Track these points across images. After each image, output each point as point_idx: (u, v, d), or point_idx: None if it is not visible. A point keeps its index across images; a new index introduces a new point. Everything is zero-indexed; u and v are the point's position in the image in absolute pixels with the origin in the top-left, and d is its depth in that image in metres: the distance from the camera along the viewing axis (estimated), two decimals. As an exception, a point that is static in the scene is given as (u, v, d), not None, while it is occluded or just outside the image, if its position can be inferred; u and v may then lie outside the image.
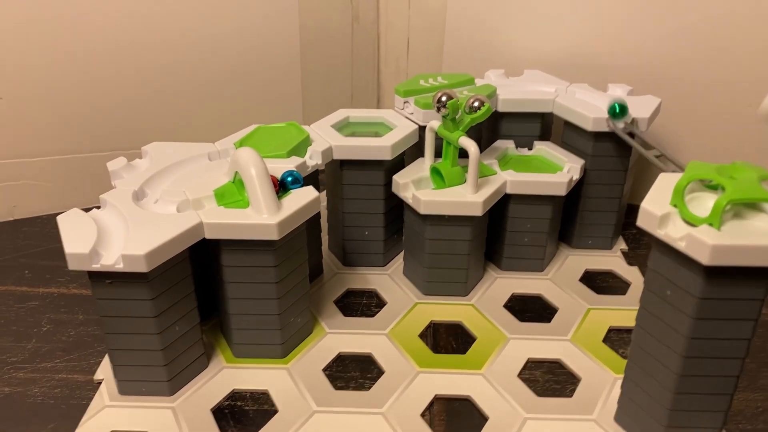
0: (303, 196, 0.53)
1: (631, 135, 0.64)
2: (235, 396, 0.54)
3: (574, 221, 0.72)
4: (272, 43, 0.82)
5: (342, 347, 0.59)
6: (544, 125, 0.73)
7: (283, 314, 0.56)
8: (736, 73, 0.74)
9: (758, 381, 0.56)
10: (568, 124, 0.70)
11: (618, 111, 0.63)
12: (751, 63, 0.73)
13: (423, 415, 0.52)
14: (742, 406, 0.53)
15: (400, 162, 0.67)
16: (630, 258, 0.73)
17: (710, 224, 0.40)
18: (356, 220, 0.68)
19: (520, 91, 0.72)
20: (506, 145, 0.71)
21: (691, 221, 0.42)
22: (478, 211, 0.60)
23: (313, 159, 0.61)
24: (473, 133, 0.63)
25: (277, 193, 0.52)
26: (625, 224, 0.78)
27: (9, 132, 0.76)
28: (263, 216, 0.50)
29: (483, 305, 0.64)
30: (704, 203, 0.42)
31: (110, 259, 0.46)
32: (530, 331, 0.61)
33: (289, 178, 0.54)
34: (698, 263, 0.40)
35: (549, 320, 0.62)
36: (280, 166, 0.56)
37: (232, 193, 0.53)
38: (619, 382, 0.54)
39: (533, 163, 0.69)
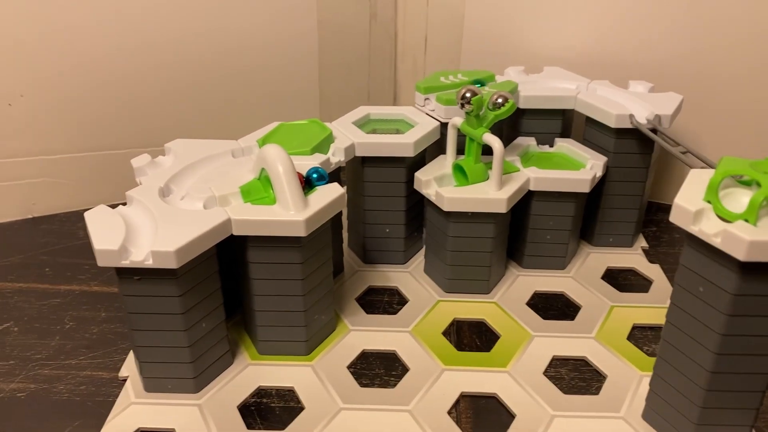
0: (329, 193, 0.53)
1: (654, 132, 0.64)
2: (260, 393, 0.54)
3: (595, 219, 0.72)
4: (290, 40, 0.82)
5: (366, 344, 0.59)
6: (565, 122, 0.73)
7: (308, 311, 0.55)
8: (759, 69, 0.74)
9: (786, 379, 0.56)
10: (589, 121, 0.70)
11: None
12: (773, 59, 0.73)
13: (450, 412, 0.52)
14: (771, 403, 0.53)
15: (421, 159, 0.67)
16: (651, 255, 0.72)
17: (746, 220, 0.40)
18: (377, 218, 0.67)
19: (542, 87, 0.72)
20: (528, 142, 0.70)
21: (725, 217, 0.41)
22: (503, 208, 0.60)
23: (336, 156, 0.61)
24: (494, 130, 0.62)
25: (303, 189, 0.52)
26: (645, 222, 0.78)
27: (28, 129, 0.76)
28: (290, 213, 0.50)
29: (506, 303, 0.64)
30: (738, 199, 0.42)
31: (140, 256, 0.46)
32: (554, 329, 0.61)
33: (315, 175, 0.54)
34: (733, 259, 0.40)
35: (572, 318, 0.62)
36: (304, 163, 0.56)
37: (258, 189, 0.53)
38: (646, 380, 0.54)
39: (555, 160, 0.68)
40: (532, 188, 0.64)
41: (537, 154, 0.70)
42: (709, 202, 0.42)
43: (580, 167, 0.66)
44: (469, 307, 0.64)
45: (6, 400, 0.53)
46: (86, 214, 0.49)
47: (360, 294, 0.66)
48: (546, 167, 0.65)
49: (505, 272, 0.69)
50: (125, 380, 0.55)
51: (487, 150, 0.60)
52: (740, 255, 0.39)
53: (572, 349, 0.58)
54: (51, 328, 0.61)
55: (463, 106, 0.58)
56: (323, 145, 0.61)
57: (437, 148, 0.68)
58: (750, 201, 0.40)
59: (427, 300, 0.65)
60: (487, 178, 0.61)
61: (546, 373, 0.56)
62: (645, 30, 0.76)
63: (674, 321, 0.46)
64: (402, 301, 0.65)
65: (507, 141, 0.71)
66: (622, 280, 0.68)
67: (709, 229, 0.41)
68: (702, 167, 0.51)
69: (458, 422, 0.51)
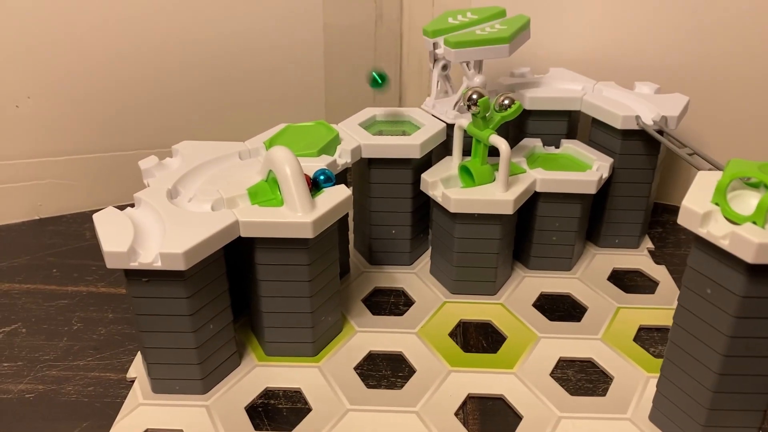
0: (336, 195, 0.53)
1: (660, 133, 0.64)
2: (268, 394, 0.54)
3: (601, 220, 0.72)
4: (297, 42, 0.83)
5: (372, 346, 0.59)
6: (571, 123, 0.73)
7: (315, 312, 0.56)
8: (765, 70, 0.74)
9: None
10: (595, 123, 0.70)
11: (380, 81, 0.60)
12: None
13: (457, 413, 0.52)
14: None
15: (427, 161, 0.67)
16: (657, 257, 0.72)
17: (754, 222, 0.40)
18: (383, 219, 0.67)
19: (548, 89, 0.72)
20: (534, 143, 0.70)
21: (733, 219, 0.41)
22: (509, 210, 0.60)
23: (342, 157, 0.61)
24: (501, 131, 0.63)
25: (310, 191, 0.52)
26: (651, 223, 0.78)
27: (36, 131, 0.76)
28: (298, 214, 0.50)
29: (512, 304, 0.64)
30: (746, 201, 0.42)
31: (148, 258, 0.46)
32: (560, 330, 0.61)
33: (322, 177, 0.54)
34: (741, 261, 0.40)
35: (579, 319, 0.62)
36: (311, 165, 0.56)
37: (265, 191, 0.53)
38: (653, 382, 0.54)
39: (561, 162, 0.68)
40: (538, 189, 0.64)
41: (543, 155, 0.70)
42: (717, 204, 0.42)
43: (586, 168, 0.66)
44: (476, 309, 0.64)
45: (14, 401, 0.53)
46: (95, 216, 0.49)
47: (366, 295, 0.66)
48: (552, 168, 0.65)
49: (512, 273, 0.69)
50: (133, 381, 0.55)
51: (494, 151, 0.60)
52: (748, 257, 0.39)
53: (579, 351, 0.58)
54: (59, 329, 0.61)
55: (469, 107, 0.58)
56: (330, 147, 0.61)
57: (443, 149, 0.68)
58: (758, 203, 0.40)
59: (434, 301, 0.65)
60: (494, 180, 0.61)
61: (553, 374, 0.56)
62: (651, 31, 0.76)
63: (681, 322, 0.46)
64: (408, 302, 0.65)
65: (513, 142, 0.71)
66: (628, 281, 0.68)
67: (717, 231, 0.41)
68: (709, 169, 0.51)
69: (465, 423, 0.51)
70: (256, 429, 0.50)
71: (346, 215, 0.62)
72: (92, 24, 0.74)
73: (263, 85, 0.84)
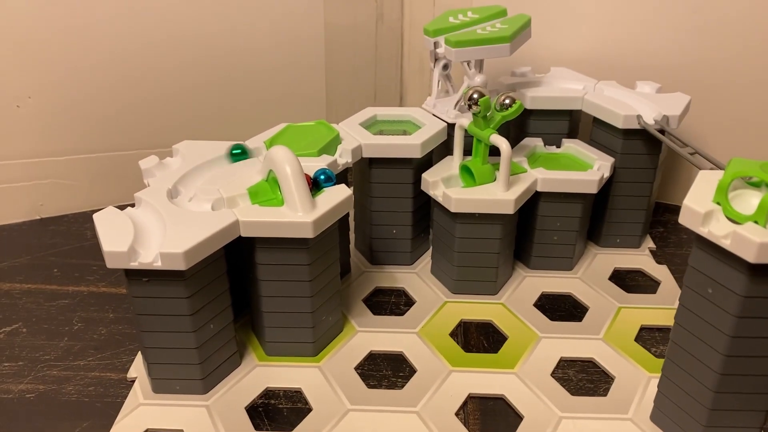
0: (336, 194, 0.53)
1: (662, 132, 0.64)
2: (268, 394, 0.54)
3: (602, 220, 0.72)
4: (297, 41, 0.83)
5: (373, 345, 0.59)
6: (572, 123, 0.73)
7: (316, 312, 0.56)
8: (767, 69, 0.74)
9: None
10: (597, 122, 0.69)
11: (238, 152, 0.57)
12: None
13: (458, 413, 0.52)
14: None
15: (428, 160, 0.67)
16: (658, 256, 0.72)
17: (756, 222, 0.40)
18: (384, 219, 0.67)
19: (549, 88, 0.72)
20: (535, 142, 0.70)
21: (735, 219, 0.41)
22: (510, 209, 0.60)
23: (343, 157, 0.61)
24: (501, 130, 0.62)
25: (311, 191, 0.52)
26: (653, 222, 0.78)
27: (36, 131, 0.76)
28: (298, 214, 0.50)
29: (513, 304, 0.64)
30: (748, 200, 0.42)
31: (148, 257, 0.46)
32: (561, 330, 0.61)
33: (322, 177, 0.54)
34: (743, 261, 0.40)
35: (580, 319, 0.62)
36: (312, 165, 0.56)
37: (266, 191, 0.53)
38: (654, 381, 0.54)
39: (562, 161, 0.68)
40: (539, 189, 0.64)
41: (544, 154, 0.70)
42: (718, 203, 0.42)
43: (587, 168, 0.66)
44: (476, 308, 0.64)
45: (15, 401, 0.53)
46: (95, 216, 0.49)
47: (367, 295, 0.66)
48: (553, 168, 0.65)
49: (513, 273, 0.69)
50: (133, 381, 0.55)
51: (494, 151, 0.60)
52: (750, 257, 0.39)
53: (580, 351, 0.58)
54: (59, 329, 0.61)
55: (470, 107, 0.58)
56: (330, 147, 0.61)
57: (444, 149, 0.68)
58: (760, 203, 0.40)
59: (434, 301, 0.65)
60: (495, 179, 0.61)
61: (554, 374, 0.56)
62: (652, 30, 0.76)
63: (683, 322, 0.46)
64: (409, 302, 0.65)
65: (514, 142, 0.71)
66: (629, 281, 0.68)
67: (719, 230, 0.41)
68: (711, 168, 0.51)
69: (466, 423, 0.51)
70: (256, 429, 0.50)
71: (347, 215, 0.62)
72: (93, 24, 0.74)
73: (264, 85, 0.84)
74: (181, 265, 0.46)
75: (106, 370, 0.57)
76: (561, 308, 0.64)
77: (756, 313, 0.42)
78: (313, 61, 0.84)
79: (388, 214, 0.67)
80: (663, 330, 0.61)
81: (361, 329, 0.61)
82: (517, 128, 0.73)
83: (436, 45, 0.66)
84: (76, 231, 0.77)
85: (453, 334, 0.60)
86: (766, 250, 0.39)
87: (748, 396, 0.45)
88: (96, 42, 0.75)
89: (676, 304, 0.47)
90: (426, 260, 0.71)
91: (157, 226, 0.49)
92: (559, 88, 0.73)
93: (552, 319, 0.62)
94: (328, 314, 0.57)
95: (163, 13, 0.76)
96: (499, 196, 0.60)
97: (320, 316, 0.56)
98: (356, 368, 0.56)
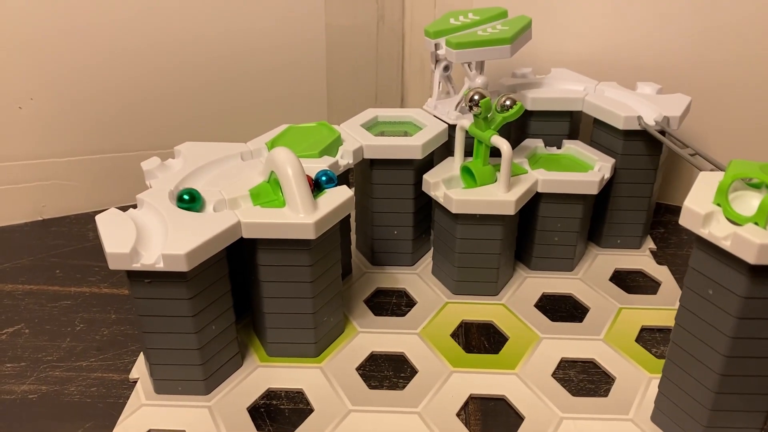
0: (338, 196, 0.53)
1: (662, 133, 0.64)
2: (270, 395, 0.54)
3: (603, 220, 0.72)
4: (298, 43, 0.83)
5: (374, 346, 0.59)
6: (573, 124, 0.73)
7: (317, 313, 0.56)
8: (767, 71, 0.74)
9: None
10: (597, 123, 0.70)
11: (187, 199, 0.52)
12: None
13: (459, 414, 0.52)
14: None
15: (429, 161, 0.67)
16: (659, 257, 0.72)
17: (756, 223, 0.40)
18: (385, 220, 0.68)
19: (549, 89, 0.72)
20: (535, 143, 0.70)
21: (735, 220, 0.41)
22: (511, 210, 0.60)
23: (344, 158, 0.61)
24: (502, 132, 0.63)
25: (312, 192, 0.52)
26: (653, 223, 0.78)
27: (38, 132, 0.76)
28: (300, 215, 0.50)
29: (514, 305, 0.64)
30: (748, 202, 0.42)
31: (150, 259, 0.46)
32: (562, 331, 0.61)
33: (324, 178, 0.54)
34: (743, 262, 0.40)
35: (581, 320, 0.62)
36: (313, 166, 0.56)
37: (267, 192, 0.53)
38: (654, 382, 0.54)
39: (563, 162, 0.68)
40: (540, 190, 0.64)
41: (545, 155, 0.70)
42: (718, 204, 0.42)
43: (588, 169, 0.66)
44: (477, 309, 0.64)
45: (18, 402, 0.53)
46: (97, 218, 0.49)
47: (368, 296, 0.66)
48: (554, 169, 0.65)
49: (513, 274, 0.69)
50: (136, 382, 0.55)
51: (495, 152, 0.60)
52: (750, 258, 0.39)
53: (580, 351, 0.58)
54: (62, 330, 0.62)
55: (471, 108, 0.58)
56: (332, 148, 0.61)
57: (445, 150, 0.68)
58: (760, 204, 0.40)
59: (435, 302, 0.65)
60: (495, 180, 0.61)
61: (554, 375, 0.56)
62: (653, 31, 0.76)
63: (683, 323, 0.46)
64: (410, 302, 0.65)
65: (515, 143, 0.71)
66: (630, 281, 0.68)
67: (719, 232, 0.41)
68: (711, 169, 0.51)
69: (467, 424, 0.51)
70: (258, 429, 0.51)
71: (348, 216, 0.62)
72: (94, 25, 0.74)
73: (265, 86, 0.84)
74: (183, 267, 0.46)
75: (109, 371, 0.57)
76: (562, 309, 0.64)
77: (756, 314, 0.42)
78: (314, 62, 0.85)
79: (389, 215, 0.67)
80: (664, 331, 0.61)
81: (362, 330, 0.61)
82: (518, 129, 0.73)
83: (437, 46, 0.67)
84: (78, 232, 0.78)
85: (454, 335, 0.61)
86: (766, 251, 0.39)
87: (749, 397, 0.45)
88: (98, 43, 0.75)
89: (677, 304, 0.47)
90: (427, 261, 0.71)
91: (159, 228, 0.49)
92: (560, 89, 0.73)
93: (553, 319, 0.62)
94: (329, 315, 0.58)
95: (164, 15, 0.76)
96: (499, 197, 0.60)
97: (322, 317, 0.56)
98: (357, 369, 0.57)
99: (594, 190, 0.64)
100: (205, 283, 0.50)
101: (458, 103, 0.69)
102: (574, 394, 0.54)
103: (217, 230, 0.48)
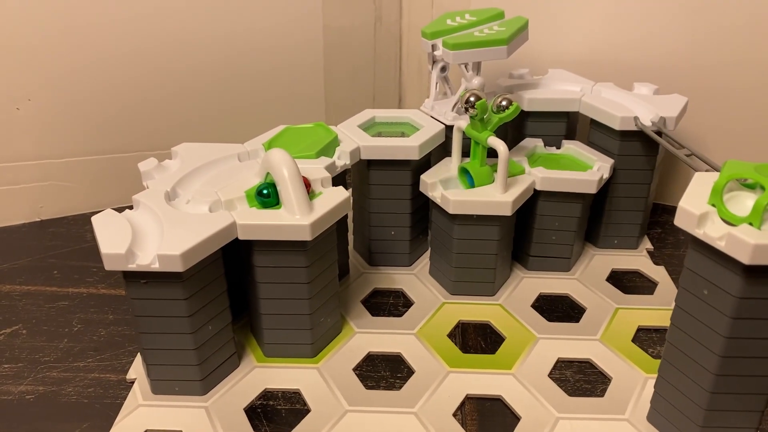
0: (334, 197, 0.53)
1: (659, 134, 0.64)
2: (267, 395, 0.54)
3: (600, 221, 0.72)
4: (296, 43, 0.83)
5: (371, 347, 0.59)
6: (570, 124, 0.73)
7: (314, 314, 0.56)
8: (764, 71, 0.74)
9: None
10: (594, 124, 0.70)
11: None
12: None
13: (455, 414, 0.52)
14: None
15: (426, 162, 0.67)
16: (656, 257, 0.72)
17: (750, 223, 0.40)
18: (382, 220, 0.68)
19: (546, 90, 0.72)
20: (535, 143, 0.70)
21: (730, 220, 0.41)
22: (508, 211, 0.60)
23: (341, 159, 0.61)
24: (499, 132, 0.63)
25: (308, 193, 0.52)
26: (650, 223, 0.78)
27: (36, 133, 0.77)
28: (296, 217, 0.50)
29: (511, 305, 0.64)
30: (743, 202, 0.42)
31: (146, 259, 0.46)
32: (559, 331, 0.61)
33: (265, 191, 0.52)
34: (738, 263, 0.40)
35: (577, 320, 0.62)
36: (310, 167, 0.56)
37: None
38: (651, 382, 0.54)
39: (562, 162, 0.68)
40: (538, 188, 0.64)
41: (544, 155, 0.70)
42: (713, 205, 0.43)
43: (587, 169, 0.66)
44: (474, 309, 0.64)
45: (15, 403, 0.53)
46: (93, 219, 0.49)
47: (365, 296, 0.66)
48: (553, 168, 0.65)
49: (510, 274, 0.69)
50: (133, 382, 0.55)
51: (493, 152, 0.60)
52: (745, 258, 0.39)
53: (577, 351, 0.58)
54: (59, 330, 0.62)
55: (467, 110, 0.58)
56: (329, 149, 0.61)
57: (442, 150, 0.68)
58: (754, 204, 0.40)
59: (432, 302, 0.65)
60: (493, 181, 0.62)
61: (551, 375, 0.56)
62: (650, 31, 0.76)
63: (679, 324, 0.46)
64: (407, 303, 0.65)
65: (512, 143, 0.71)
66: (627, 282, 0.68)
67: (714, 232, 0.41)
68: (706, 170, 0.52)
69: (463, 424, 0.51)
70: (255, 430, 0.51)
71: (346, 216, 0.62)
72: (92, 26, 0.74)
73: (262, 87, 0.84)
74: (178, 267, 0.46)
75: (106, 372, 0.57)
76: (558, 309, 0.64)
77: (751, 314, 0.42)
78: (311, 63, 0.85)
79: (386, 215, 0.67)
80: (660, 331, 0.61)
81: (359, 330, 0.61)
82: (515, 130, 0.74)
83: (433, 47, 0.67)
84: (76, 233, 0.78)
85: (451, 335, 0.61)
86: (760, 251, 0.39)
87: (744, 396, 0.46)
88: (95, 44, 0.75)
89: (674, 305, 0.47)
90: (424, 261, 0.71)
91: (155, 228, 0.49)
92: (557, 89, 0.73)
93: (549, 320, 0.62)
94: (326, 316, 0.58)
95: (161, 16, 0.76)
96: (496, 197, 0.60)
97: (318, 317, 0.57)
98: (354, 369, 0.57)
99: (592, 190, 0.64)
100: (201, 284, 0.50)
101: (455, 104, 0.69)
102: (570, 394, 0.54)
103: (212, 231, 0.48)
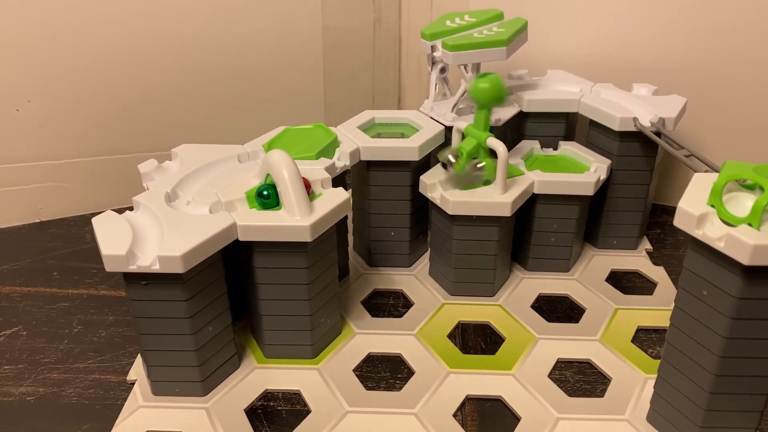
0: (334, 198, 0.53)
1: (658, 135, 0.64)
2: (267, 396, 0.54)
3: (599, 221, 0.72)
4: (295, 45, 0.83)
5: (371, 347, 0.59)
6: (569, 125, 0.73)
7: (314, 315, 0.56)
8: (764, 72, 0.74)
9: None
10: (593, 124, 0.70)
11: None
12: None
13: (455, 415, 0.52)
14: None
15: (426, 163, 0.67)
16: (655, 258, 0.72)
17: (749, 224, 0.40)
18: (382, 221, 0.68)
19: (545, 91, 0.72)
20: (532, 145, 0.70)
21: (729, 221, 0.41)
22: (507, 212, 0.60)
23: (341, 160, 0.61)
24: (498, 134, 0.63)
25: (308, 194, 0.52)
26: (649, 224, 0.78)
27: (36, 134, 0.77)
28: (296, 218, 0.50)
29: (510, 305, 0.64)
30: (742, 203, 0.42)
31: (146, 261, 0.46)
32: (559, 332, 0.61)
33: (265, 192, 0.52)
34: (737, 263, 0.40)
35: (577, 320, 0.62)
36: (310, 168, 0.56)
37: (264, 194, 0.54)
38: (650, 382, 0.54)
39: (560, 163, 0.69)
40: (536, 191, 0.64)
41: (541, 157, 0.70)
42: (712, 206, 0.43)
43: (584, 170, 0.66)
44: (474, 310, 0.64)
45: (15, 404, 0.53)
46: (93, 220, 0.49)
47: (365, 297, 0.66)
48: (550, 170, 0.66)
49: (510, 275, 0.69)
50: (133, 384, 0.55)
51: (491, 153, 0.60)
52: (744, 259, 0.39)
53: (577, 352, 0.58)
54: (59, 332, 0.62)
55: (446, 167, 0.61)
56: (328, 150, 0.61)
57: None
58: (753, 205, 0.40)
59: (432, 303, 0.65)
60: (492, 181, 0.62)
61: (551, 375, 0.56)
62: (649, 32, 0.77)
63: (678, 324, 0.47)
64: (407, 304, 0.65)
65: (511, 145, 0.71)
66: (626, 282, 0.69)
67: (713, 233, 0.41)
68: (706, 171, 0.52)
69: (464, 425, 0.51)
70: (255, 431, 0.51)
71: (345, 217, 0.62)
72: (92, 27, 0.74)
73: (262, 88, 0.84)
74: (179, 268, 0.46)
75: (106, 373, 0.57)
76: (558, 310, 0.64)
77: (750, 315, 0.42)
78: (311, 64, 0.85)
79: (386, 216, 0.67)
80: (659, 331, 0.61)
81: (359, 331, 0.61)
82: (514, 131, 0.74)
83: (433, 48, 0.67)
84: (76, 234, 0.78)
85: (451, 336, 0.61)
86: (759, 252, 0.39)
87: (743, 397, 0.46)
88: (95, 45, 0.75)
89: (673, 305, 0.47)
90: (424, 262, 0.71)
91: (155, 230, 0.49)
92: (556, 90, 0.73)
93: (549, 320, 0.62)
94: (326, 317, 0.58)
95: (161, 17, 0.76)
96: (496, 198, 0.60)
97: (318, 318, 0.57)
98: (354, 370, 0.57)
99: (590, 191, 0.64)
100: (201, 285, 0.50)
101: (454, 105, 0.69)
102: (570, 395, 0.54)
103: (212, 232, 0.48)
